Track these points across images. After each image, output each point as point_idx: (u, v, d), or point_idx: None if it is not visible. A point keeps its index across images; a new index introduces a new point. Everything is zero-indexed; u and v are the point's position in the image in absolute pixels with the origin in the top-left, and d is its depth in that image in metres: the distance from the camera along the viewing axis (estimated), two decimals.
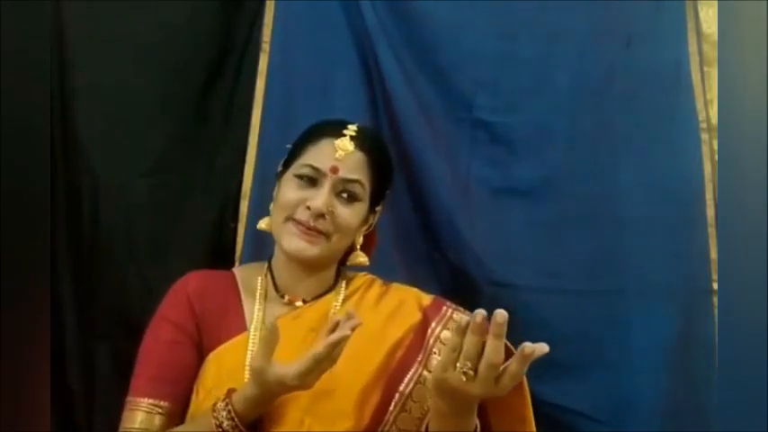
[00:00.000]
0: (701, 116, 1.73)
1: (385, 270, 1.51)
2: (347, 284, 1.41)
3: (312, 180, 1.32)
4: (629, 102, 1.73)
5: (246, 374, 1.26)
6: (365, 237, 1.42)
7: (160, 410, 1.30)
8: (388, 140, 1.73)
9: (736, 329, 1.14)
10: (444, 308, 1.37)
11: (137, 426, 1.29)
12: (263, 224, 1.40)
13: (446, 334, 1.31)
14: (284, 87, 1.74)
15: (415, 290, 1.42)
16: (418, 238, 1.74)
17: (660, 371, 1.65)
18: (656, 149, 1.72)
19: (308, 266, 1.36)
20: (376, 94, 1.75)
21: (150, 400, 1.30)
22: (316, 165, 1.31)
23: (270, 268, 1.40)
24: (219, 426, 1.20)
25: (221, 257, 1.70)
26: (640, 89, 1.74)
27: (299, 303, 1.36)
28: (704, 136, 1.72)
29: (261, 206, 1.68)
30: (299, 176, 1.32)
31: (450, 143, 1.74)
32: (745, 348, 1.11)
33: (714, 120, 1.71)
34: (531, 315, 1.50)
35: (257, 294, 1.37)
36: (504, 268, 1.67)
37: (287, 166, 1.37)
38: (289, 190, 1.33)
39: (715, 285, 1.64)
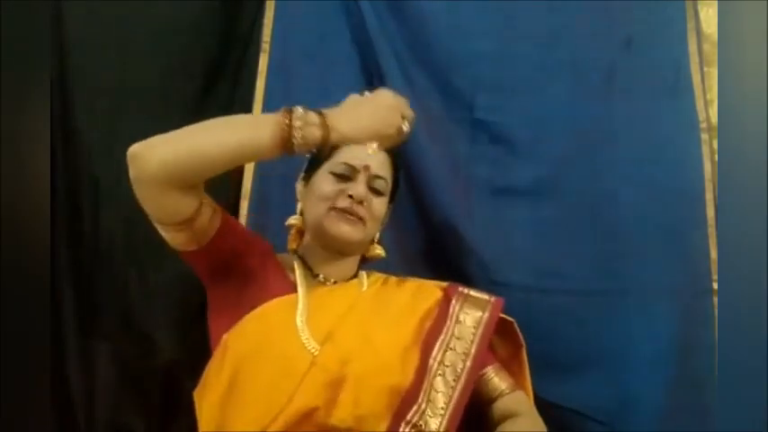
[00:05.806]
0: (701, 116, 1.73)
1: (386, 270, 1.51)
2: (367, 276, 1.48)
3: (346, 177, 1.41)
4: (629, 102, 1.73)
5: (296, 331, 1.30)
6: None
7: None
8: None
9: (736, 329, 1.14)
10: (461, 288, 1.47)
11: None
12: (293, 220, 1.47)
13: (464, 316, 1.42)
14: (284, 87, 1.74)
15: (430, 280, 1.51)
16: (418, 238, 1.74)
17: (660, 371, 1.65)
18: (656, 149, 1.72)
19: (342, 252, 1.43)
20: None
21: None
22: (351, 162, 1.41)
23: (300, 256, 1.46)
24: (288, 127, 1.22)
25: None
26: (640, 89, 1.74)
27: (333, 280, 1.44)
28: (704, 136, 1.72)
29: (261, 206, 1.68)
30: (335, 173, 1.41)
31: (450, 143, 1.75)
32: (745, 348, 1.11)
33: (714, 120, 1.71)
34: (530, 315, 1.50)
35: (296, 272, 1.43)
36: (504, 268, 1.67)
37: (312, 169, 1.45)
38: (326, 184, 1.42)
39: (715, 285, 1.65)
